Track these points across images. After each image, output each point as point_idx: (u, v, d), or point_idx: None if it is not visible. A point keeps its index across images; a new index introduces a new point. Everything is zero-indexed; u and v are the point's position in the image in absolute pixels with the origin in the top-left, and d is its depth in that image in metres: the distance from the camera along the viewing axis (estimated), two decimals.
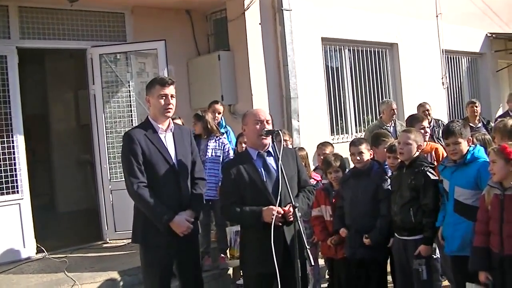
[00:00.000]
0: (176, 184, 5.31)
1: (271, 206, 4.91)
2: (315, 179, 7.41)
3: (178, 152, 5.39)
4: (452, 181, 5.51)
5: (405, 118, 11.18)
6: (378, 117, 10.83)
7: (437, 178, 5.81)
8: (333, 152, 7.54)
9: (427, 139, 7.30)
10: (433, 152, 7.04)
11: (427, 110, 10.38)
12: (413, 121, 7.54)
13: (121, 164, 5.50)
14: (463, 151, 5.48)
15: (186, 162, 5.44)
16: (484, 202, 5.03)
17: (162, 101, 5.30)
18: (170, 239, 5.19)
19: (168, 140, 5.40)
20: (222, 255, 8.04)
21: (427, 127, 7.48)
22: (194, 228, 5.37)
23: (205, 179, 5.79)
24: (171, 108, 5.37)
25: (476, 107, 11.18)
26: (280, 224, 4.90)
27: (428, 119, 9.58)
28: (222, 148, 7.97)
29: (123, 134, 5.57)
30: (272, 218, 4.79)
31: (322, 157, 7.49)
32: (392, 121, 9.99)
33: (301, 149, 8.00)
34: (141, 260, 5.44)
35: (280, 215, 4.86)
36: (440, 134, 8.00)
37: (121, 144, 5.42)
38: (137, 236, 5.36)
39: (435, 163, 6.52)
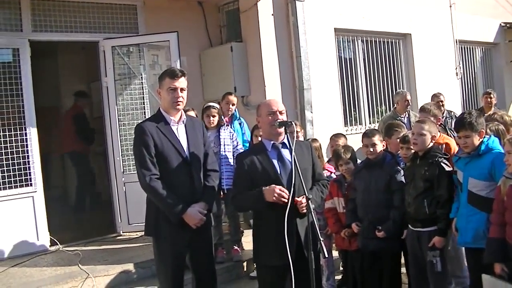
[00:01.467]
0: (189, 176, 5.29)
1: (272, 185, 4.90)
2: (329, 171, 7.38)
3: (190, 144, 5.37)
4: (466, 172, 5.47)
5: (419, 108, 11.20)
6: (392, 108, 10.80)
7: (451, 169, 5.78)
8: (346, 143, 7.50)
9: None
10: (444, 145, 6.98)
11: (441, 101, 10.34)
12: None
13: (134, 156, 5.48)
14: (474, 144, 5.43)
15: (199, 154, 5.42)
16: (500, 193, 4.99)
17: (171, 94, 5.27)
18: (183, 231, 5.19)
19: (180, 132, 5.38)
20: (235, 247, 8.04)
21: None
22: (207, 220, 5.36)
23: (218, 171, 5.77)
24: (180, 101, 5.34)
25: (491, 97, 11.13)
26: (282, 204, 4.84)
27: (441, 110, 9.56)
28: (231, 137, 7.99)
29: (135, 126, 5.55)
30: (275, 197, 4.82)
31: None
32: (406, 112, 9.96)
33: (315, 140, 7.98)
34: (154, 252, 5.44)
35: (284, 196, 4.84)
36: (453, 126, 7.96)
37: (133, 136, 5.41)
38: (150, 228, 5.36)
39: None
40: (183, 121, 5.42)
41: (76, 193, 11.84)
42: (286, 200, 4.82)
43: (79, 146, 11.67)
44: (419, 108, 8.29)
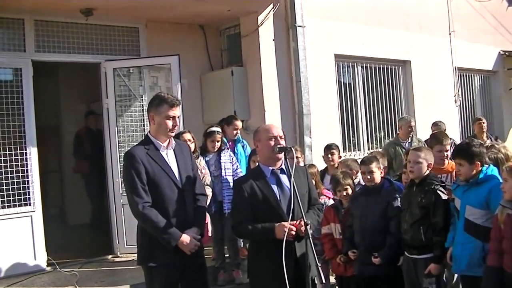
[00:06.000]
0: (181, 202, 5.23)
1: (283, 223, 4.88)
2: (327, 196, 7.38)
3: (181, 169, 5.32)
4: (464, 200, 5.49)
5: (417, 134, 11.24)
6: (395, 134, 10.87)
7: (447, 196, 5.81)
8: (357, 168, 7.41)
9: (446, 162, 7.07)
10: (454, 172, 6.94)
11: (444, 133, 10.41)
12: (433, 142, 7.53)
13: (124, 184, 5.44)
14: (467, 173, 5.46)
15: (189, 179, 5.36)
16: (497, 221, 5.01)
17: (170, 122, 5.22)
18: (177, 258, 5.12)
19: (170, 157, 5.32)
20: (236, 269, 8.05)
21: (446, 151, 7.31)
22: (200, 246, 5.32)
23: (206, 194, 5.77)
24: (176, 130, 5.37)
25: (484, 123, 11.21)
26: (292, 239, 4.86)
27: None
28: (231, 161, 8.05)
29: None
30: (284, 235, 4.79)
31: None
32: (409, 138, 10.01)
33: (312, 165, 7.99)
34: (147, 281, 5.34)
35: (293, 232, 4.83)
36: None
37: (123, 163, 5.37)
38: (144, 257, 5.24)
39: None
40: (172, 146, 5.37)
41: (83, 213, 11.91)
42: (293, 233, 4.83)
43: (84, 166, 11.74)
44: (428, 135, 8.31)
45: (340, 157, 8.52)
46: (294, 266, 4.92)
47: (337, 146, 8.58)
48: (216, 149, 7.98)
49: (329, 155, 8.35)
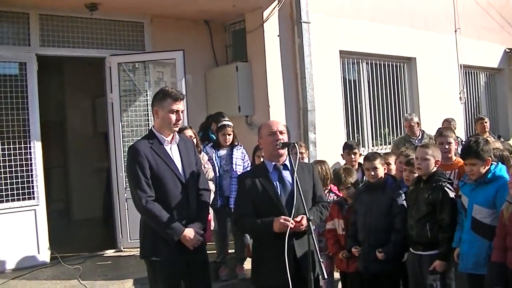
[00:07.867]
0: (184, 197, 5.24)
1: (281, 217, 4.90)
2: (336, 194, 7.33)
3: (184, 164, 5.32)
4: (471, 198, 5.49)
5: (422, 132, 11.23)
6: (399, 130, 10.92)
7: (454, 194, 5.79)
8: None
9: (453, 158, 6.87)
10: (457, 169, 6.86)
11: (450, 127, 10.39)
12: (436, 136, 7.52)
13: (128, 178, 5.42)
14: (480, 172, 5.46)
15: (193, 174, 5.37)
16: (502, 217, 5.00)
17: (174, 116, 5.23)
18: (180, 253, 5.13)
19: (174, 152, 5.33)
20: (240, 265, 8.05)
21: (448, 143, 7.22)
22: (203, 241, 5.33)
23: (209, 190, 5.76)
24: (180, 124, 5.36)
25: (486, 122, 11.18)
26: (290, 231, 4.84)
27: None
28: (243, 158, 8.04)
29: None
30: (283, 227, 4.80)
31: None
32: (420, 133, 10.03)
33: (323, 162, 7.83)
34: (150, 276, 5.34)
35: (290, 225, 4.82)
36: (459, 151, 7.95)
37: (127, 158, 5.35)
38: (146, 251, 5.26)
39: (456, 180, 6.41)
40: (175, 141, 5.37)
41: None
42: (291, 225, 4.83)
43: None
44: (434, 132, 8.31)
45: (360, 154, 8.47)
46: (294, 262, 4.92)
47: (358, 144, 8.56)
48: (228, 143, 7.98)
49: (352, 155, 8.28)
